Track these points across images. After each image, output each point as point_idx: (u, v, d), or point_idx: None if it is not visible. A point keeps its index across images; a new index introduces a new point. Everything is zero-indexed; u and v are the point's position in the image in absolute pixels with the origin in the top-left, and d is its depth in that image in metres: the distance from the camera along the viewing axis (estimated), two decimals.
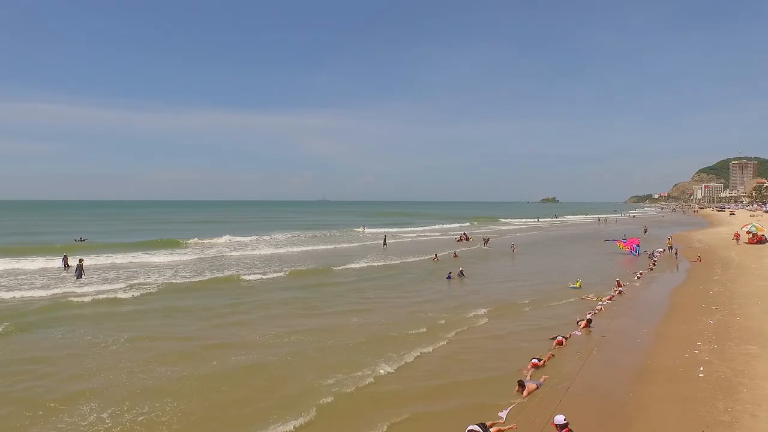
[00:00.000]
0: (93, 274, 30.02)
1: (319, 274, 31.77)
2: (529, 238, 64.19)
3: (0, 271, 31.08)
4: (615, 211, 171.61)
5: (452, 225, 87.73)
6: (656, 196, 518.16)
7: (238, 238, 55.27)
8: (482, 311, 20.64)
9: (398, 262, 37.70)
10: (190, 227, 79.09)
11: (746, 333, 16.92)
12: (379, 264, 36.54)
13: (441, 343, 16.16)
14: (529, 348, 15.54)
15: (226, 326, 18.59)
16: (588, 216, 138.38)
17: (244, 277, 29.84)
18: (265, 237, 58.75)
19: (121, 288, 25.56)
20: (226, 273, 31.39)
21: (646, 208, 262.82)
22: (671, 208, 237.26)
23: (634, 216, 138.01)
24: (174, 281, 28.09)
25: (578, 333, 17.53)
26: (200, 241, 52.16)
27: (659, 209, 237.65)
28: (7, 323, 18.26)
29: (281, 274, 31.17)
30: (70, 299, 22.76)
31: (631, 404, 11.35)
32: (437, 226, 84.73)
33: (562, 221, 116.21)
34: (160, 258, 38.08)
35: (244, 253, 43.22)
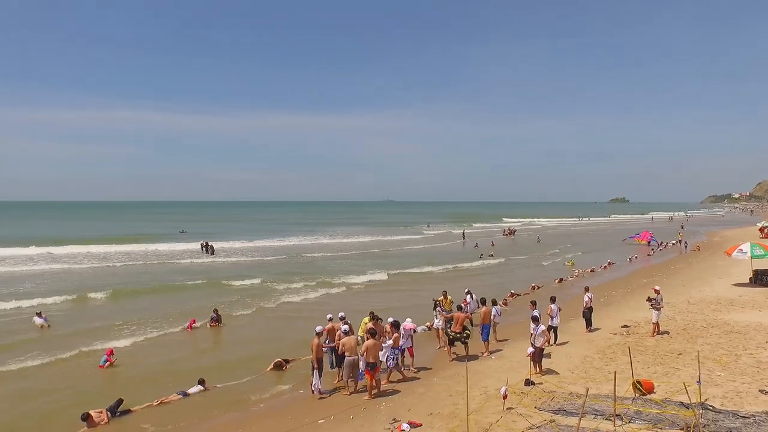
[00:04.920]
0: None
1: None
2: (559, 232, 75.76)
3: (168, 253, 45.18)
4: (681, 211, 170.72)
5: (499, 224, 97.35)
6: (736, 196, 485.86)
7: (325, 240, 59.58)
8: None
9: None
10: (263, 227, 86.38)
11: (659, 286, 26.38)
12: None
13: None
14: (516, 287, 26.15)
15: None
16: (644, 215, 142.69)
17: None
18: (353, 238, 62.81)
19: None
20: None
21: (716, 208, 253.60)
22: (741, 208, 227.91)
23: (689, 216, 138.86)
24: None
25: (553, 285, 27.92)
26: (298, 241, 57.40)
27: (731, 209, 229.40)
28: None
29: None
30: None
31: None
32: (495, 224, 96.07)
33: (609, 221, 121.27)
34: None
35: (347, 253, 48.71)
